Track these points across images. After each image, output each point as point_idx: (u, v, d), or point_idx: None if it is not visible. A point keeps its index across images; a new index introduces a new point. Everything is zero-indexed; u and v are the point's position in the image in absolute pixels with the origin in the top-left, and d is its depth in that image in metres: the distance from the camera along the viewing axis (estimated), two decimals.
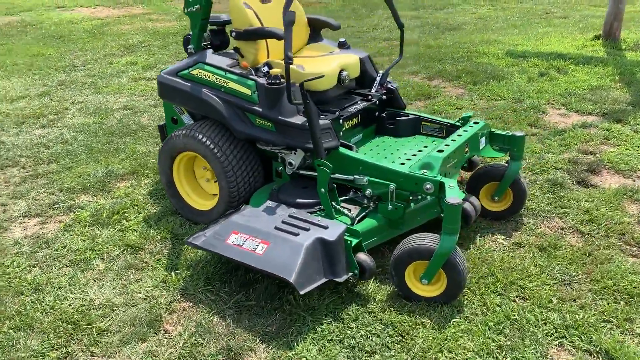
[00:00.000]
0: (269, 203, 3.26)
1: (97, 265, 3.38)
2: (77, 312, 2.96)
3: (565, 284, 3.18)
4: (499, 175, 3.74)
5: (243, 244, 2.97)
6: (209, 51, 3.78)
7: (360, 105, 3.87)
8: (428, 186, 3.11)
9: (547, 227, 3.78)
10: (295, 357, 2.66)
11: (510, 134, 3.74)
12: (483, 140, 3.70)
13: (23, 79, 7.70)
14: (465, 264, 2.92)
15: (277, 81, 3.36)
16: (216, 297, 3.08)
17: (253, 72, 3.56)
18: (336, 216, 3.22)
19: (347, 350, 2.71)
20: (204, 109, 3.63)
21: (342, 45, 4.22)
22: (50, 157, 4.97)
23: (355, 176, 3.31)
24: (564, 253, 3.44)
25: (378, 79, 4.10)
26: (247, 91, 3.44)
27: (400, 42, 4.15)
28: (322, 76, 3.41)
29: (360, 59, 4.09)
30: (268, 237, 2.95)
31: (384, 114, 4.07)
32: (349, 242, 2.96)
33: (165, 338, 2.79)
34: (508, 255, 3.44)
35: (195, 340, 2.76)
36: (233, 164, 3.51)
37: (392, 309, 2.97)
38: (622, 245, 3.55)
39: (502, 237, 3.65)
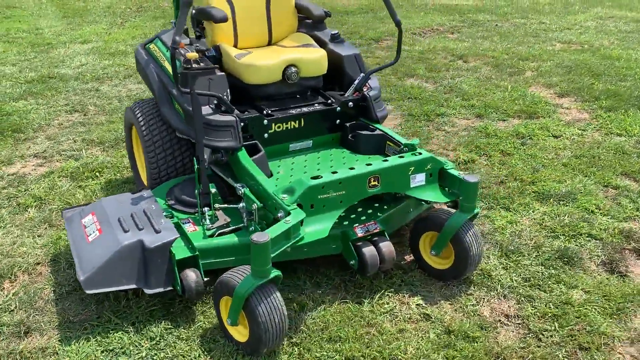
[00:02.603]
0: (144, 192, 3.11)
1: (27, 213, 3.65)
2: None
3: None
4: (439, 225, 2.94)
5: (88, 227, 2.89)
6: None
7: (310, 108, 3.38)
8: (280, 214, 2.61)
9: (490, 307, 2.86)
10: (62, 352, 2.53)
11: (460, 176, 2.89)
12: (421, 177, 2.92)
13: None
14: (274, 318, 2.38)
15: (189, 66, 3.12)
16: (71, 270, 3.08)
17: (190, 51, 3.35)
18: (204, 223, 2.91)
19: None
20: (148, 85, 3.58)
21: (334, 39, 3.71)
22: (112, 110, 5.47)
23: (238, 185, 2.95)
24: (469, 347, 2.58)
25: (356, 82, 3.52)
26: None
27: (397, 43, 3.48)
28: (208, 68, 3.09)
29: (342, 56, 3.56)
30: (105, 226, 2.82)
31: (347, 124, 3.48)
32: (173, 254, 2.67)
33: None
34: (394, 326, 2.72)
35: (9, 305, 2.82)
36: (157, 146, 3.40)
37: (198, 339, 2.61)
38: None
39: (418, 301, 2.89)
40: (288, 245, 2.50)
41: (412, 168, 2.88)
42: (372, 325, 2.71)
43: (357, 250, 2.84)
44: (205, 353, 2.53)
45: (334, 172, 2.72)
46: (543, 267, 3.15)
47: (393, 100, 5.87)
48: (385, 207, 3.14)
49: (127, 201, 3.02)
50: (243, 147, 3.08)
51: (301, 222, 2.61)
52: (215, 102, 3.12)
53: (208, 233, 2.84)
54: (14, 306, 2.81)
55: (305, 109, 3.36)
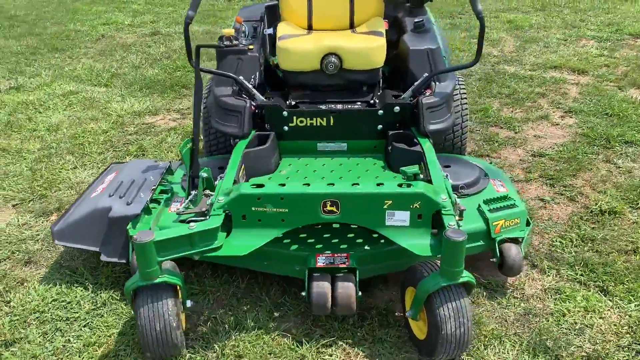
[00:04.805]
0: (161, 162, 3.12)
1: (125, 159, 4.06)
2: None
3: None
4: (416, 282, 2.26)
5: (103, 183, 3.07)
6: (268, 4, 3.52)
7: (345, 106, 2.89)
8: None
9: None
10: (30, 289, 2.77)
11: (448, 227, 2.13)
12: (402, 215, 2.24)
13: None
14: (156, 326, 2.17)
15: (222, 43, 2.96)
16: None
17: (245, 28, 3.18)
18: (187, 203, 2.79)
19: None
20: None
21: (417, 27, 3.07)
22: None
23: (220, 175, 2.74)
24: None
25: (416, 83, 2.87)
26: None
27: (478, 39, 2.70)
28: (215, 46, 2.81)
29: (409, 50, 2.93)
30: (108, 186, 2.96)
31: (390, 132, 2.86)
32: (128, 228, 2.65)
33: None
34: None
35: (37, 234, 3.19)
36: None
37: (125, 319, 2.57)
38: None
39: None
40: (194, 252, 2.23)
41: (389, 202, 2.24)
42: None
43: (308, 283, 2.38)
44: (116, 335, 2.48)
45: (281, 184, 2.30)
46: None
47: (581, 112, 4.64)
48: (382, 241, 2.53)
49: (143, 167, 3.09)
50: (252, 136, 2.83)
51: (227, 232, 2.30)
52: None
53: (180, 217, 2.72)
54: (40, 237, 3.19)
55: (339, 106, 2.90)
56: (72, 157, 4.10)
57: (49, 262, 2.99)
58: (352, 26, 3.29)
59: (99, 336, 2.48)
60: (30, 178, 3.82)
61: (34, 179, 3.80)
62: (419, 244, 2.25)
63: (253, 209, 2.29)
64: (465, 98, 3.38)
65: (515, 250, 2.57)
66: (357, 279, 2.39)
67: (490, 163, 3.27)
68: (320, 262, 2.41)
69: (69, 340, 2.47)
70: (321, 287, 2.34)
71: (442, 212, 2.24)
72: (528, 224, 2.74)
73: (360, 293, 2.39)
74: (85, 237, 2.75)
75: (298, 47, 2.92)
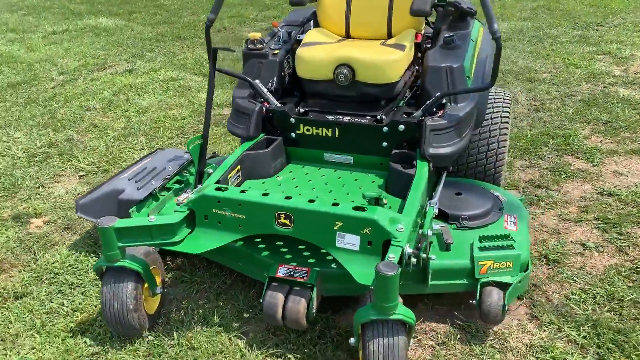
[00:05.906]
0: (187, 154, 3.29)
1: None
2: None
3: None
4: None
5: (138, 165, 3.33)
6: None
7: (350, 119, 2.81)
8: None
9: None
10: (40, 268, 3.04)
11: (386, 259, 2.01)
12: (352, 239, 2.14)
13: None
14: (114, 304, 2.35)
15: (247, 46, 3.04)
16: None
17: (280, 32, 3.22)
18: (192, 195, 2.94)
19: None
20: None
21: (447, 44, 2.88)
22: None
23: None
24: None
25: (428, 102, 2.71)
26: None
27: (494, 61, 2.48)
28: (231, 49, 2.85)
29: (427, 66, 2.77)
30: (136, 169, 3.21)
31: (393, 150, 2.73)
32: (131, 211, 2.87)
33: None
34: None
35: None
36: None
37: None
38: None
39: None
40: (154, 244, 2.37)
41: (340, 223, 2.17)
42: None
43: (265, 291, 2.40)
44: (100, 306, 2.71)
45: (242, 191, 2.33)
46: None
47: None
48: None
49: (171, 156, 3.31)
50: (260, 139, 2.89)
51: (190, 229, 2.40)
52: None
53: (175, 208, 2.88)
54: (71, 226, 3.50)
55: (346, 119, 2.83)
56: (145, 138, 4.49)
57: (82, 231, 3.34)
58: (389, 36, 3.19)
59: (87, 304, 2.74)
60: (103, 153, 4.27)
61: (105, 155, 4.24)
62: (363, 271, 2.14)
63: (214, 210, 2.35)
64: (506, 122, 3.10)
65: (496, 297, 2.34)
66: (313, 296, 2.35)
67: (522, 198, 2.96)
68: (281, 272, 2.41)
69: (63, 303, 2.76)
70: (274, 297, 2.34)
71: (392, 242, 2.11)
72: (526, 269, 2.46)
73: (314, 310, 2.35)
74: (101, 213, 3.00)
75: (312, 55, 2.90)
